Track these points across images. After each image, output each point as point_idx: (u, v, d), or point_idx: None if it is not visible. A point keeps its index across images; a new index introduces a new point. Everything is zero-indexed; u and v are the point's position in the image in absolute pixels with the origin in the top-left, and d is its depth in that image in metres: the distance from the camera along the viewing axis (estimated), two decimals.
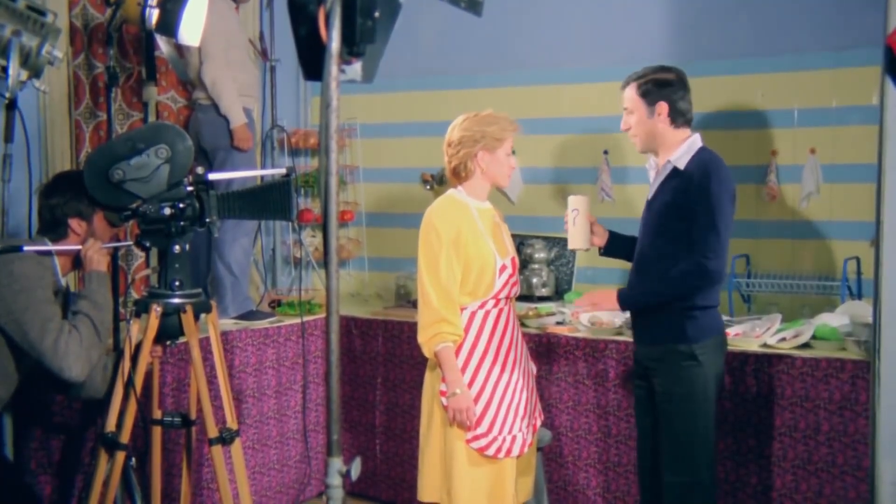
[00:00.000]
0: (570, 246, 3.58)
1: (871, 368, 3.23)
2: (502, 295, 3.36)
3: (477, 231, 3.33)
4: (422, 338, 3.33)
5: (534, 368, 3.59)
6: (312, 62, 1.61)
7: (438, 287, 3.26)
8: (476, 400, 3.30)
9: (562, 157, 5.02)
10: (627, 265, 3.52)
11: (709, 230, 3.17)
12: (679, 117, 3.34)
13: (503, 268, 3.34)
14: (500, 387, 3.34)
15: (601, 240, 3.56)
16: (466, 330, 3.32)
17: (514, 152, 3.48)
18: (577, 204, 3.51)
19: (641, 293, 3.36)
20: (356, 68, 1.64)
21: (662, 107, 3.32)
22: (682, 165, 3.30)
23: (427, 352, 3.32)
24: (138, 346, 3.01)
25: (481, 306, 3.33)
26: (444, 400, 3.32)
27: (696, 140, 3.36)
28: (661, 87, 3.33)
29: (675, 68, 3.41)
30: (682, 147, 3.33)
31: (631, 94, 3.37)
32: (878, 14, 3.15)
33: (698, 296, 3.25)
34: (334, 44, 1.55)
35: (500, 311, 3.37)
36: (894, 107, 3.08)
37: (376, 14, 1.59)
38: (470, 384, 3.30)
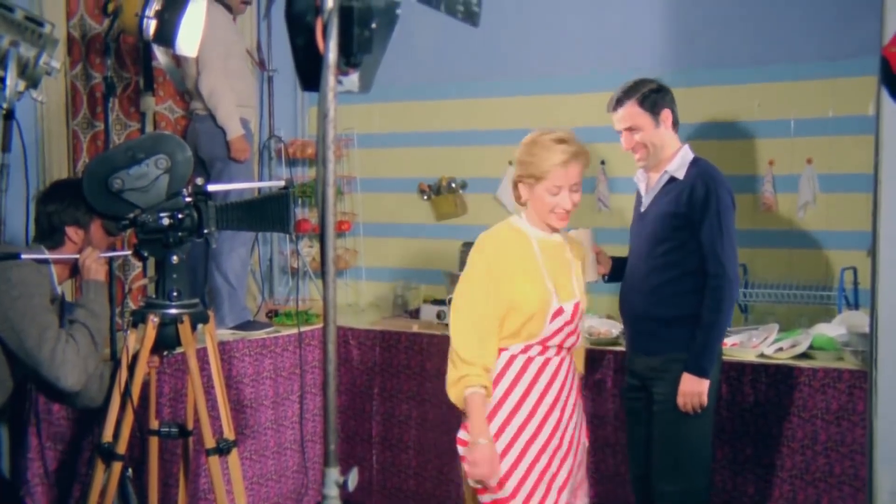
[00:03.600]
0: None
1: (869, 378, 3.23)
2: (552, 342, 2.92)
3: (532, 265, 2.91)
4: (448, 379, 2.87)
5: (586, 442, 3.10)
6: (310, 73, 1.62)
7: (472, 323, 2.85)
8: (502, 457, 2.85)
9: None
10: None
11: (721, 237, 3.22)
12: (676, 125, 3.37)
13: (558, 312, 2.90)
14: (535, 448, 2.87)
15: (606, 268, 3.51)
16: (502, 374, 2.89)
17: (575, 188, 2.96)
18: (580, 237, 3.49)
19: (704, 347, 3.24)
20: (353, 79, 1.64)
21: (667, 114, 3.35)
22: (680, 175, 3.31)
23: (453, 397, 2.85)
24: (135, 356, 3.01)
25: (524, 350, 2.91)
26: (461, 450, 2.90)
27: (688, 150, 3.38)
28: (662, 95, 3.36)
29: (654, 79, 3.44)
30: (678, 157, 3.35)
31: (632, 110, 3.35)
32: (875, 24, 3.16)
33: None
34: (331, 54, 1.56)
35: (548, 360, 2.92)
36: (890, 117, 3.09)
37: (373, 25, 1.60)
38: (496, 436, 2.86)
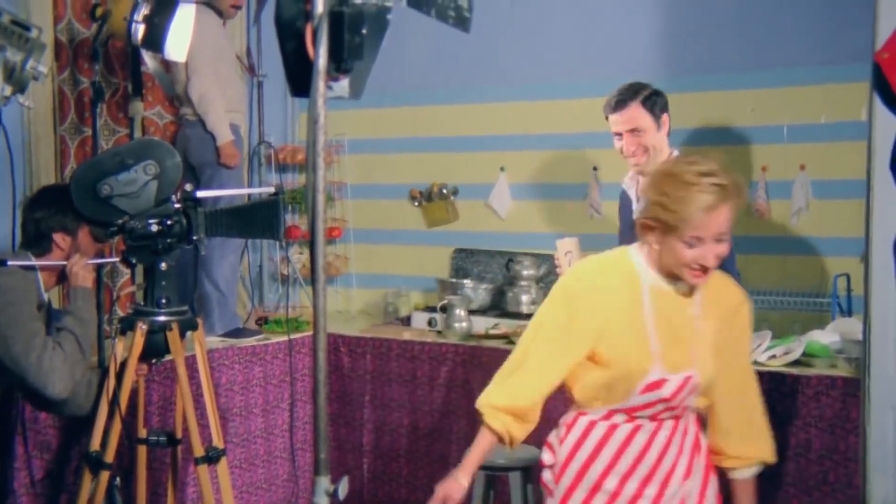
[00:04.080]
0: None
1: (862, 386, 3.24)
2: (642, 414, 2.41)
3: (636, 317, 2.37)
4: (480, 400, 2.50)
5: None
6: (300, 78, 1.62)
7: (523, 351, 2.46)
8: None
9: (551, 172, 5.04)
10: None
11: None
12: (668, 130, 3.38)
13: (656, 384, 2.35)
14: None
15: None
16: (580, 443, 2.49)
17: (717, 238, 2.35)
18: (569, 246, 3.48)
19: None
20: (344, 85, 1.65)
21: (666, 119, 3.36)
22: None
23: (482, 417, 2.48)
24: (123, 364, 3.01)
25: (607, 416, 2.45)
26: (546, 476, 2.60)
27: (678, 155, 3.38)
28: (663, 98, 3.37)
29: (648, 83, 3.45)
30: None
31: (637, 111, 3.32)
32: (867, 29, 3.18)
33: None
34: (321, 60, 1.56)
35: (637, 428, 2.42)
36: (882, 122, 3.11)
37: (364, 30, 1.60)
38: None
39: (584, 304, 2.38)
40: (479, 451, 2.47)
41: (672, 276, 2.36)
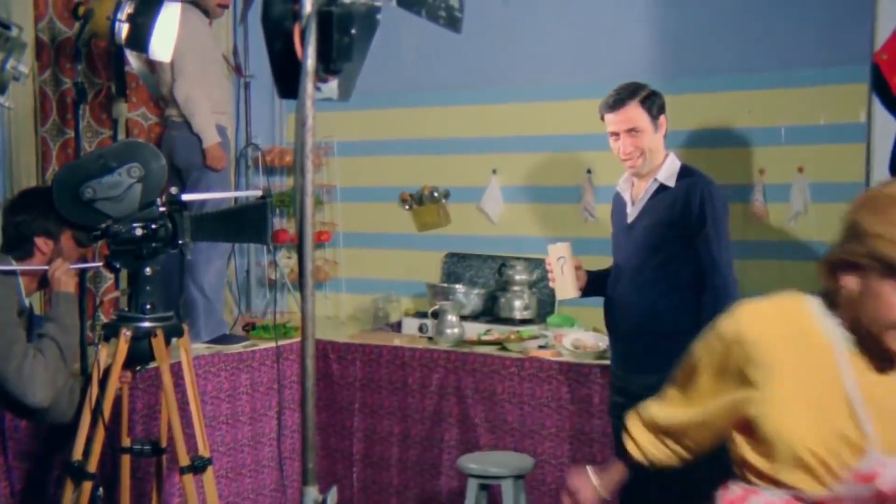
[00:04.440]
0: (561, 296, 3.56)
1: None
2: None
3: (832, 385, 1.88)
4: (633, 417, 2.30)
5: None
6: (287, 79, 1.62)
7: (675, 407, 2.16)
8: None
9: (544, 175, 5.05)
10: None
11: (720, 244, 3.22)
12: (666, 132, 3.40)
13: (868, 477, 1.85)
14: None
15: (582, 282, 3.53)
16: None
17: None
18: (562, 251, 3.47)
19: None
20: (332, 86, 1.65)
21: (663, 121, 3.37)
22: (671, 183, 3.31)
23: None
24: (107, 372, 3.01)
25: None
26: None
27: (675, 158, 3.39)
28: (661, 99, 3.38)
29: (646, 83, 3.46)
30: (667, 164, 3.36)
31: (635, 111, 3.32)
32: (866, 30, 3.20)
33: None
34: (310, 61, 1.57)
35: None
36: (881, 125, 3.13)
37: (353, 30, 1.61)
38: None
39: (744, 362, 1.95)
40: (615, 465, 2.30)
41: (871, 340, 1.88)
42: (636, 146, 3.34)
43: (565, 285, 3.47)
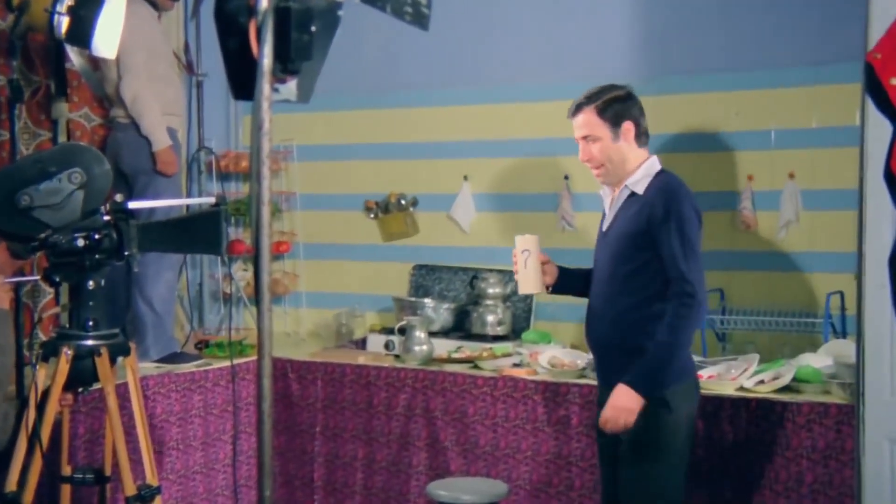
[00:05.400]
0: (522, 290, 3.61)
1: (856, 413, 3.28)
2: None
3: None
4: None
5: None
6: (242, 80, 1.62)
7: None
8: None
9: (519, 182, 5.06)
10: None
11: (685, 253, 3.22)
12: (643, 137, 3.41)
13: None
14: None
15: (551, 277, 3.56)
16: None
17: None
18: (527, 244, 3.52)
19: (654, 367, 3.21)
20: (291, 87, 1.65)
21: (629, 127, 3.37)
22: (640, 190, 3.34)
23: None
24: (45, 394, 2.98)
25: None
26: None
27: (655, 162, 3.41)
28: (626, 105, 3.39)
29: (625, 85, 3.47)
30: (640, 170, 3.37)
31: (590, 118, 3.38)
32: (859, 27, 3.23)
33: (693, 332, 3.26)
34: (266, 60, 1.56)
35: None
36: (875, 129, 3.15)
37: (313, 28, 1.61)
38: None
39: None
40: None
41: None
42: (593, 154, 3.39)
43: (527, 279, 3.52)
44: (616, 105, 3.37)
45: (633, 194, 3.36)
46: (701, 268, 3.27)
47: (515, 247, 3.55)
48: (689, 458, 3.37)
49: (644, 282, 3.30)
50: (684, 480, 3.34)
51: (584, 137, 3.40)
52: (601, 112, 3.36)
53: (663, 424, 3.25)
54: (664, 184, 3.32)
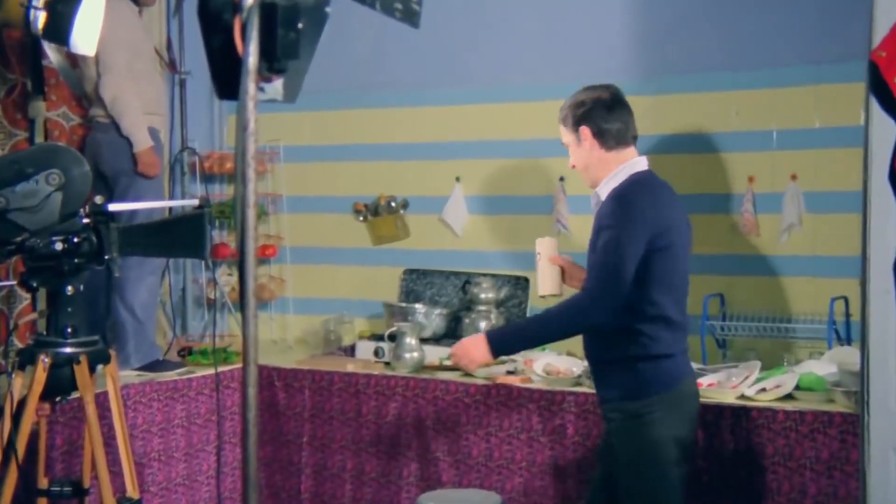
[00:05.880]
0: (539, 292, 3.65)
1: (861, 422, 3.28)
2: None
3: None
4: None
5: None
6: (227, 79, 1.61)
7: None
8: None
9: (512, 183, 5.07)
10: None
11: (603, 257, 3.24)
12: (608, 139, 3.38)
13: None
14: None
15: (578, 281, 3.55)
16: None
17: None
18: (540, 246, 3.61)
19: (518, 330, 3.46)
20: (277, 87, 1.64)
21: (585, 131, 3.39)
22: (604, 195, 3.37)
23: None
24: (21, 404, 2.97)
25: None
26: None
27: (635, 164, 3.39)
28: (582, 110, 3.42)
29: (600, 85, 3.48)
30: (612, 174, 3.38)
31: (560, 126, 3.49)
32: (863, 25, 3.24)
33: (576, 331, 3.41)
34: (252, 58, 1.56)
35: None
36: (879, 129, 3.16)
37: (300, 25, 1.60)
38: None
39: None
40: None
41: None
42: (572, 160, 3.50)
43: (541, 281, 3.60)
44: (573, 112, 3.43)
45: (600, 200, 3.40)
46: (613, 269, 3.22)
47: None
48: (684, 470, 3.36)
49: None
50: (680, 492, 3.34)
51: (564, 144, 3.51)
52: (563, 120, 3.47)
53: (643, 439, 3.25)
54: (621, 188, 3.33)
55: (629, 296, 3.20)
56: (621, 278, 3.19)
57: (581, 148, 3.41)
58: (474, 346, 3.40)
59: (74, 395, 3.11)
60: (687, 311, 3.39)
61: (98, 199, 3.07)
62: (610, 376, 3.35)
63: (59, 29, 3.54)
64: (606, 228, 3.25)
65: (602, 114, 3.38)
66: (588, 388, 4.05)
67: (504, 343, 3.43)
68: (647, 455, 3.26)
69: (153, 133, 4.55)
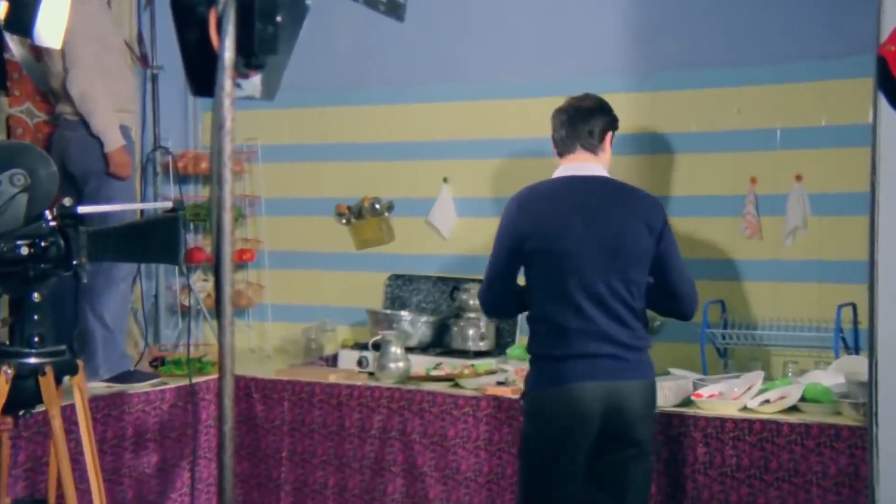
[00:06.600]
0: None
1: (869, 435, 3.29)
2: None
3: None
4: None
5: None
6: (202, 74, 1.61)
7: None
8: None
9: (503, 184, 5.05)
10: None
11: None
12: (558, 146, 3.65)
13: None
14: None
15: None
16: None
17: None
18: None
19: None
20: (255, 83, 1.64)
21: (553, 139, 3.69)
22: None
23: None
24: None
25: None
26: None
27: (556, 172, 3.63)
28: (556, 118, 3.66)
29: (583, 95, 3.62)
30: None
31: None
32: (870, 18, 3.25)
33: None
34: (228, 53, 1.56)
35: None
36: (888, 126, 3.17)
37: (279, 18, 1.60)
38: None
39: None
40: None
41: None
42: None
43: None
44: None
45: None
46: (486, 276, 3.66)
47: None
48: (556, 464, 3.47)
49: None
50: (544, 487, 3.48)
51: None
52: None
53: (523, 433, 3.62)
54: None
55: (513, 297, 3.64)
56: (487, 281, 3.65)
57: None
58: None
59: (39, 408, 3.09)
60: (596, 317, 3.42)
61: (67, 201, 3.06)
62: None
63: (22, 19, 3.53)
64: None
65: (556, 123, 3.64)
66: None
67: None
68: (524, 453, 3.59)
69: (124, 131, 4.55)
